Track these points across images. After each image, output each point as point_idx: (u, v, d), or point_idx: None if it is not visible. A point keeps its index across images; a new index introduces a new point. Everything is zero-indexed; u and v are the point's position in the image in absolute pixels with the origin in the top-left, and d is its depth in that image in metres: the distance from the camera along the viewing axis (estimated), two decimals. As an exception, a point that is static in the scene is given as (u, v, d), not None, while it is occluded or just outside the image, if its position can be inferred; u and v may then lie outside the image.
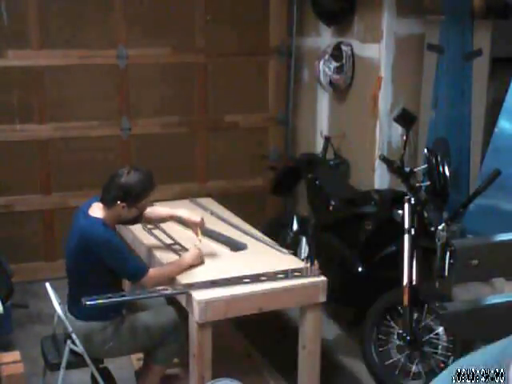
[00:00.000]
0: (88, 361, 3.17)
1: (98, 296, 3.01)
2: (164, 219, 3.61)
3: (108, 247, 3.11)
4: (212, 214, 4.10)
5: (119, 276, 3.28)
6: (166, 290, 3.24)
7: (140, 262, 3.35)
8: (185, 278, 3.23)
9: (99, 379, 3.23)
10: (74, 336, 3.12)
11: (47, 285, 3.28)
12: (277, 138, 5.62)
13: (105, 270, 3.14)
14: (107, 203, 3.15)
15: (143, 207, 3.27)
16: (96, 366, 3.26)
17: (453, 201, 3.89)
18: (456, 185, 4.06)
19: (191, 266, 3.30)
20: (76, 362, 3.19)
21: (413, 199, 3.59)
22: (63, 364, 3.14)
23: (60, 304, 3.22)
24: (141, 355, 3.88)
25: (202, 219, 3.49)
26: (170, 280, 3.22)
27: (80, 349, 3.13)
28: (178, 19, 5.12)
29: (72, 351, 3.15)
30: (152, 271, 3.22)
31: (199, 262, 3.35)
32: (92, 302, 2.97)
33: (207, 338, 3.08)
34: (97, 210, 3.18)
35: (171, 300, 3.44)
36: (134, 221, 3.39)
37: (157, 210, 3.57)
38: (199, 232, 3.45)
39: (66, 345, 3.14)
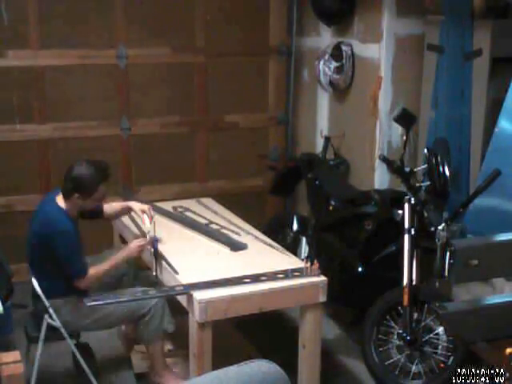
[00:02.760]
0: (65, 334, 3.37)
1: (98, 297, 3.16)
2: (119, 212, 3.80)
3: (62, 238, 3.27)
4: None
5: (62, 269, 3.34)
6: (167, 290, 3.25)
7: (84, 264, 3.40)
8: (185, 279, 3.23)
9: (76, 352, 3.43)
10: (51, 310, 3.30)
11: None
12: (277, 138, 5.62)
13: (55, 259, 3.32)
14: (64, 194, 3.35)
15: (99, 199, 3.42)
16: (76, 341, 3.51)
17: (453, 201, 3.89)
18: (456, 185, 4.06)
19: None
20: (55, 335, 3.39)
21: (413, 199, 3.59)
22: (41, 337, 3.36)
23: None
24: (141, 355, 3.89)
25: (150, 207, 3.66)
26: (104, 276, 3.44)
27: (57, 323, 3.33)
28: (178, 19, 5.12)
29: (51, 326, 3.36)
30: (90, 272, 3.36)
31: (136, 253, 3.50)
32: (92, 304, 3.12)
33: (207, 337, 3.08)
34: (60, 200, 3.38)
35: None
36: (96, 215, 3.62)
37: (112, 205, 3.80)
38: (146, 219, 3.60)
39: (44, 319, 3.34)
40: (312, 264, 3.29)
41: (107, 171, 3.39)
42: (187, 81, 5.24)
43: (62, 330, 3.36)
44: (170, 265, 3.37)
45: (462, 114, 4.16)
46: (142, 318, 3.43)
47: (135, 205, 3.71)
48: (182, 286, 3.16)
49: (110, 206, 3.77)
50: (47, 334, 3.39)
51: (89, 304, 3.13)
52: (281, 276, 3.24)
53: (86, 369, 3.46)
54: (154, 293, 3.30)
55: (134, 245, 3.50)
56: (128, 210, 3.79)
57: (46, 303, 3.34)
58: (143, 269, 3.86)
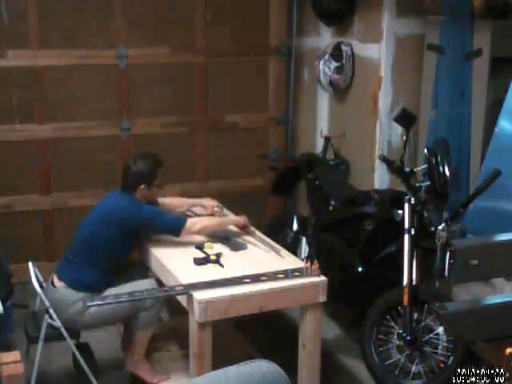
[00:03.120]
0: (65, 334, 3.37)
1: (97, 297, 3.22)
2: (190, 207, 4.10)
3: (142, 213, 3.51)
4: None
5: (161, 231, 3.63)
6: (167, 290, 3.25)
7: (177, 217, 3.70)
8: (185, 278, 3.23)
9: (76, 352, 3.43)
10: (51, 310, 3.32)
11: (30, 264, 3.45)
12: (277, 138, 5.62)
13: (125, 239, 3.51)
14: (130, 190, 3.59)
15: (160, 185, 3.68)
16: (76, 342, 3.50)
17: (453, 201, 3.89)
18: (456, 185, 4.06)
19: (236, 226, 3.84)
20: (55, 335, 3.40)
21: (413, 199, 3.59)
22: (41, 337, 3.37)
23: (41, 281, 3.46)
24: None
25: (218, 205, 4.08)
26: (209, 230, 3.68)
27: (57, 323, 3.34)
28: (178, 19, 5.12)
29: (51, 326, 3.37)
30: (192, 220, 3.65)
31: (240, 226, 3.83)
32: (92, 304, 3.16)
33: (207, 337, 3.08)
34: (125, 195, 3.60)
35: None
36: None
37: (179, 200, 4.17)
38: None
39: (44, 319, 3.35)
40: (312, 264, 3.29)
41: (158, 157, 3.72)
42: (187, 81, 5.24)
43: (62, 330, 3.36)
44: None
45: (462, 114, 4.16)
46: (143, 307, 3.44)
47: (208, 201, 4.10)
48: (182, 285, 3.16)
49: (177, 201, 4.11)
50: (47, 333, 3.39)
51: (88, 304, 3.14)
52: (281, 276, 3.24)
53: (85, 369, 3.46)
54: (154, 292, 3.30)
55: (244, 219, 3.84)
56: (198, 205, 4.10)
57: (47, 303, 3.34)
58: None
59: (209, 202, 4.08)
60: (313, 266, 3.27)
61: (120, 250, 3.55)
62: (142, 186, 3.58)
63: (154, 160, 3.68)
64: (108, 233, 3.46)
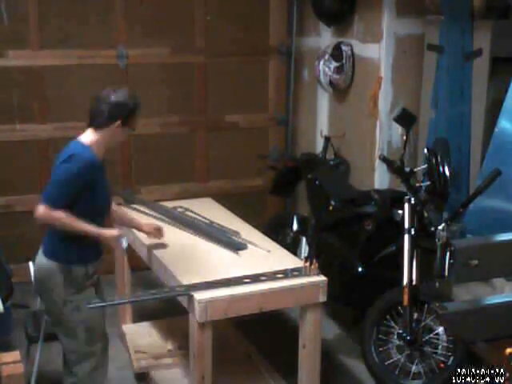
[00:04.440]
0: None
1: (100, 300, 3.14)
2: (127, 224, 3.62)
3: (68, 163, 3.02)
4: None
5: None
6: (167, 291, 3.24)
7: (61, 199, 3.03)
8: (185, 279, 3.23)
9: None
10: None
11: (30, 263, 3.43)
12: (277, 138, 5.62)
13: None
14: (100, 125, 3.08)
15: (135, 125, 3.20)
16: None
17: (453, 201, 3.89)
18: (456, 185, 4.06)
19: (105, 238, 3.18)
20: (55, 335, 3.31)
21: (413, 199, 3.59)
22: (41, 337, 3.37)
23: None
24: (141, 355, 3.89)
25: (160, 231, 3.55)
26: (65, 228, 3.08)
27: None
28: (178, 19, 5.12)
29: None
30: (58, 212, 3.02)
31: (110, 242, 3.19)
32: (92, 306, 3.04)
33: (207, 337, 3.08)
34: (84, 137, 3.13)
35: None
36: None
37: (125, 212, 3.71)
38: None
39: (43, 318, 3.36)
40: (311, 264, 3.29)
41: (138, 98, 3.17)
42: (187, 81, 5.25)
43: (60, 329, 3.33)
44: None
45: (462, 114, 4.16)
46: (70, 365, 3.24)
47: (146, 226, 3.55)
48: (183, 286, 3.16)
49: (122, 212, 3.64)
50: (47, 333, 3.39)
51: (89, 306, 3.05)
52: (280, 276, 3.24)
53: None
54: (155, 293, 3.30)
55: (112, 234, 3.20)
56: (136, 227, 3.60)
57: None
58: (141, 269, 3.86)
59: (148, 227, 3.55)
60: (312, 266, 3.27)
61: (79, 204, 3.07)
62: (118, 122, 3.07)
63: (135, 97, 3.15)
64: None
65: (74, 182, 3.04)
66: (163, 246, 3.63)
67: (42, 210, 3.03)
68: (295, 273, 3.27)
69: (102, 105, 3.07)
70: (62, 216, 3.03)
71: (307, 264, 3.30)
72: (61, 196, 3.04)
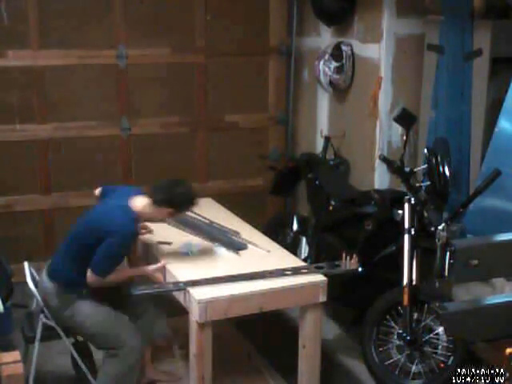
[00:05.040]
0: (60, 333, 3.37)
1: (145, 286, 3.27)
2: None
3: (119, 238, 3.20)
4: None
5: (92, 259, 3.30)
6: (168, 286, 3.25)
7: (110, 270, 3.28)
8: (185, 279, 3.23)
9: (73, 351, 3.44)
10: (46, 310, 3.32)
11: (25, 264, 3.51)
12: (277, 138, 5.61)
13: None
14: (156, 202, 3.29)
15: (179, 216, 3.52)
16: (75, 340, 3.52)
17: (453, 201, 3.89)
18: (456, 185, 4.06)
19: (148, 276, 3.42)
20: (51, 335, 3.40)
21: (413, 199, 3.59)
22: (37, 336, 3.39)
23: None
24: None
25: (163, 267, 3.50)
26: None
27: (52, 322, 3.34)
28: (178, 19, 5.12)
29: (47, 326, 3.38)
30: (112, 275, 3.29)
31: (150, 275, 3.40)
32: (138, 292, 3.19)
33: (207, 337, 3.08)
34: (138, 202, 3.33)
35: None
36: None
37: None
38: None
39: (39, 318, 3.37)
40: (347, 257, 3.33)
41: (196, 199, 3.43)
42: (187, 81, 5.24)
43: (58, 329, 3.36)
44: None
45: (462, 114, 4.16)
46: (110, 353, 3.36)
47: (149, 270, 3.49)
48: (190, 282, 3.17)
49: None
50: (44, 333, 3.39)
51: (134, 293, 3.19)
52: (288, 273, 3.26)
53: (83, 368, 3.46)
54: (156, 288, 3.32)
55: (152, 269, 3.39)
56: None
57: (41, 303, 3.34)
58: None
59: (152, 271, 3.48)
60: (352, 261, 3.31)
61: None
62: (169, 210, 3.32)
63: (194, 197, 3.41)
64: (87, 237, 3.29)
65: (121, 253, 3.32)
66: (163, 245, 3.64)
67: (94, 280, 3.26)
68: (303, 270, 3.29)
69: (171, 188, 3.32)
70: (112, 277, 3.29)
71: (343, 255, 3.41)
72: (111, 267, 3.28)
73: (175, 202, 3.31)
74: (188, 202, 3.38)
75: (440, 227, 3.41)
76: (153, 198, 3.30)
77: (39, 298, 3.36)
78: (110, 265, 3.27)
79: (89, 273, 3.25)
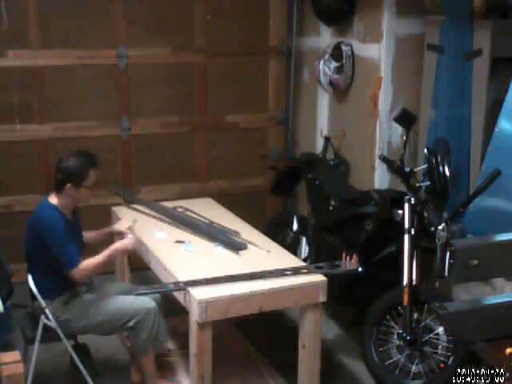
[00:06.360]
0: (61, 335, 3.37)
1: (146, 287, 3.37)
2: (97, 237, 3.84)
3: (52, 232, 3.33)
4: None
5: (58, 261, 3.39)
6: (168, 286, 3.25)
7: (73, 256, 3.38)
8: (185, 279, 3.23)
9: (72, 353, 3.45)
10: (46, 311, 3.34)
11: (25, 264, 3.52)
12: (277, 138, 5.62)
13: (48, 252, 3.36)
14: (57, 189, 3.43)
15: (91, 186, 3.47)
16: (74, 341, 3.55)
17: (453, 201, 3.88)
18: (456, 185, 4.06)
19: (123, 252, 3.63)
20: (52, 335, 3.40)
21: (413, 199, 3.59)
22: (38, 337, 3.39)
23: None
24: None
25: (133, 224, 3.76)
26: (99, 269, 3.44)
27: (53, 323, 3.35)
28: (178, 19, 5.12)
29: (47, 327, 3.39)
30: (82, 264, 3.37)
31: (128, 247, 3.53)
32: (138, 292, 3.29)
33: (207, 337, 3.08)
34: (51, 198, 3.47)
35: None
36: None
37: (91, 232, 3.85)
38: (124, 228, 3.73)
39: (40, 320, 3.38)
40: (347, 257, 3.33)
41: (94, 157, 3.50)
42: (187, 81, 5.25)
43: (58, 331, 3.36)
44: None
45: (462, 114, 4.16)
46: (130, 330, 3.44)
47: (118, 226, 3.78)
48: (183, 282, 3.17)
49: (88, 233, 3.79)
50: (44, 334, 3.39)
51: (136, 293, 3.28)
52: (288, 273, 3.26)
53: (82, 369, 3.46)
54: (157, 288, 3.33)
55: (120, 244, 3.56)
56: (109, 234, 3.83)
57: (42, 303, 3.35)
58: (141, 269, 3.86)
59: (122, 225, 3.77)
60: (352, 260, 3.31)
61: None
62: (69, 185, 3.39)
63: (86, 159, 3.46)
64: (35, 239, 3.41)
65: (65, 237, 3.36)
66: (163, 245, 3.64)
67: (76, 273, 3.35)
68: (303, 270, 3.29)
69: (56, 172, 3.44)
70: (87, 266, 3.36)
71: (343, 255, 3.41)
72: (73, 252, 3.37)
73: (67, 177, 3.38)
74: (75, 168, 3.40)
75: (440, 227, 3.41)
76: (54, 191, 3.45)
77: (40, 299, 3.36)
78: (69, 252, 3.34)
79: (69, 273, 3.34)
